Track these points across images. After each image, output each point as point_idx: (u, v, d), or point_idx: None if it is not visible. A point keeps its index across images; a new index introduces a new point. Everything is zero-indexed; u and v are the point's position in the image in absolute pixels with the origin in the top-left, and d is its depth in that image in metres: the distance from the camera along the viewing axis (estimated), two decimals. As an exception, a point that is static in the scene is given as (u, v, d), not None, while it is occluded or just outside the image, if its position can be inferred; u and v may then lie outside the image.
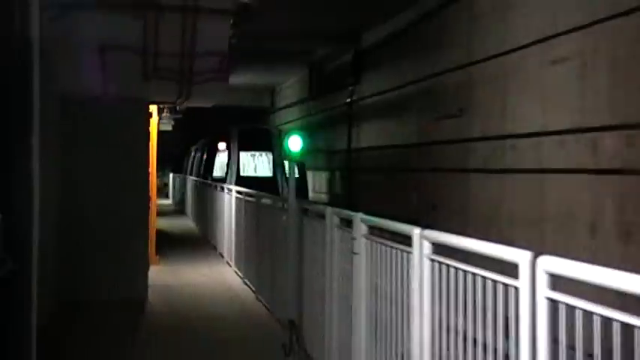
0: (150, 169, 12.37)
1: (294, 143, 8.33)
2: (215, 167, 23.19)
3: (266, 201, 10.63)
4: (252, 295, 11.29)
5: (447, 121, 11.65)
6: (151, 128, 12.43)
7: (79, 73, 9.67)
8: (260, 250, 10.89)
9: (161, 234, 17.06)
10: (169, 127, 26.84)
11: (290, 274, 8.32)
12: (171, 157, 33.85)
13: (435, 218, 11.32)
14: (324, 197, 19.81)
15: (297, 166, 19.29)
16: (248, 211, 12.21)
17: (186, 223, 24.66)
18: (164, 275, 13.12)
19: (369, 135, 16.58)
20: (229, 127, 22.61)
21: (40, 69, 4.72)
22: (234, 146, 21.59)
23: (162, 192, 34.35)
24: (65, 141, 10.11)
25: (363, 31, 16.40)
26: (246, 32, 13.53)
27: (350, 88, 17.63)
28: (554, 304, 3.11)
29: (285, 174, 18.45)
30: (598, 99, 7.86)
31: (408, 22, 13.62)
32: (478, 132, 10.57)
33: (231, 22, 10.20)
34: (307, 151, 8.29)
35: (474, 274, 3.88)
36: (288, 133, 8.50)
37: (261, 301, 10.68)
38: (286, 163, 18.85)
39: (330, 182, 20.09)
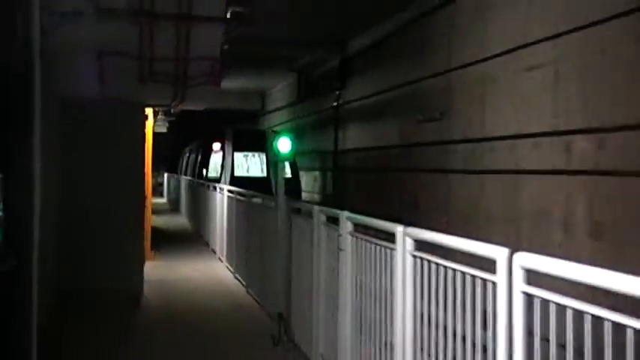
0: (145, 169, 12.35)
1: (284, 145, 8.33)
2: (210, 167, 22.78)
3: (256, 200, 10.63)
4: (243, 289, 11.29)
5: (428, 124, 11.66)
6: (146, 130, 12.41)
7: (78, 77, 9.64)
8: (250, 246, 10.89)
9: (156, 231, 17.01)
10: (164, 129, 26.81)
11: (279, 269, 8.32)
12: (166, 158, 33.76)
13: (416, 216, 11.33)
14: (316, 197, 19.56)
15: (290, 166, 19.17)
16: (239, 209, 12.21)
17: (180, 221, 24.62)
18: (159, 270, 13.10)
19: (355, 137, 16.58)
20: (224, 128, 22.22)
21: (41, 73, 4.71)
22: (229, 147, 21.11)
23: (157, 191, 34.28)
24: (65, 141, 10.09)
25: (349, 38, 16.39)
26: (237, 39, 13.51)
27: (336, 92, 17.61)
28: (529, 298, 3.13)
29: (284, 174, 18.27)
30: (570, 104, 7.87)
31: (391, 31, 13.61)
32: (458, 135, 10.58)
33: (224, 29, 10.17)
34: (300, 152, 8.30)
35: (454, 270, 3.90)
36: (278, 135, 8.50)
37: (251, 295, 10.67)
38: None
39: (320, 182, 19.99)
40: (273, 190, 15.80)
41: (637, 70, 6.86)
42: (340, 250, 6.05)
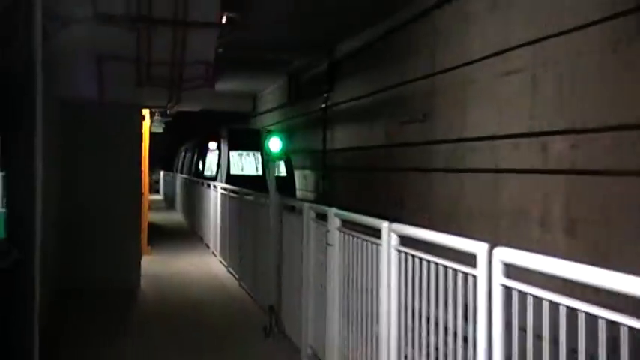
0: (142, 168, 12.33)
1: (274, 144, 8.33)
2: (206, 166, 22.31)
3: (248, 197, 10.62)
4: (236, 282, 11.28)
5: (412, 125, 11.68)
6: (143, 130, 12.38)
7: (78, 79, 9.62)
8: (243, 241, 10.87)
9: (152, 227, 16.98)
10: (160, 130, 26.75)
11: (270, 263, 8.32)
12: (162, 157, 33.66)
13: (401, 213, 11.35)
14: (309, 195, 19.35)
15: (285, 165, 19.05)
16: (232, 206, 12.19)
17: (175, 217, 24.55)
18: (155, 265, 13.07)
19: (343, 138, 16.59)
20: (220, 128, 21.84)
21: (43, 76, 4.70)
22: (225, 146, 20.72)
23: (154, 188, 34.14)
24: (65, 142, 10.06)
25: (337, 43, 16.39)
26: (231, 43, 13.50)
27: (325, 94, 17.61)
28: (508, 290, 3.14)
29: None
30: (547, 106, 7.90)
31: (377, 36, 13.63)
32: (440, 135, 10.60)
33: (218, 34, 10.16)
34: (293, 151, 8.30)
35: (437, 264, 3.91)
36: (269, 135, 8.49)
37: (243, 288, 10.66)
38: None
39: (309, 180, 19.95)
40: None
41: (610, 75, 6.89)
42: (329, 245, 6.05)
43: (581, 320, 2.65)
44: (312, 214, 6.83)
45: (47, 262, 5.26)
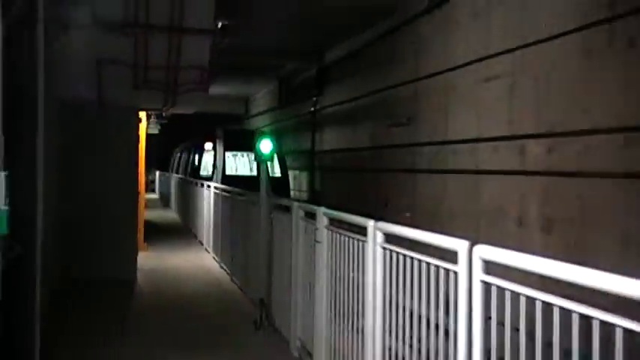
0: (139, 168, 12.30)
1: (265, 146, 8.31)
2: (202, 166, 21.90)
3: (240, 196, 10.61)
4: (228, 277, 11.26)
5: (397, 128, 11.70)
6: (140, 131, 12.35)
7: (78, 82, 9.60)
8: (235, 238, 10.86)
9: (148, 224, 16.93)
10: (156, 131, 26.70)
11: (261, 259, 8.31)
12: (158, 157, 33.56)
13: (386, 212, 11.36)
14: (302, 195, 19.08)
15: (280, 165, 18.87)
16: (225, 205, 12.18)
17: (170, 215, 24.49)
18: (151, 260, 13.03)
19: (331, 140, 16.59)
20: (216, 129, 21.30)
21: (45, 79, 4.69)
22: (220, 147, 20.18)
23: (150, 188, 34.04)
24: (65, 142, 10.02)
25: (326, 49, 16.40)
26: (224, 49, 13.48)
27: (314, 98, 17.61)
28: (487, 286, 3.15)
29: (269, 173, 17.56)
30: (524, 111, 7.93)
31: (364, 43, 13.65)
32: (424, 138, 10.62)
33: (212, 40, 10.16)
34: (287, 152, 8.26)
35: (420, 260, 3.91)
36: (260, 137, 8.46)
37: (235, 282, 10.65)
38: (275, 161, 18.55)
39: (300, 180, 19.85)
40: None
41: (584, 82, 6.93)
42: (317, 242, 6.05)
43: (556, 315, 2.67)
44: (301, 213, 6.83)
45: (48, 258, 5.25)
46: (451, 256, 3.43)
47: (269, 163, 17.55)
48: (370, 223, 4.67)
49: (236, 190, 11.25)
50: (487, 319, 3.15)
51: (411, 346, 4.09)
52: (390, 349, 4.41)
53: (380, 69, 12.79)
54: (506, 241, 7.66)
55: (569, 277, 2.61)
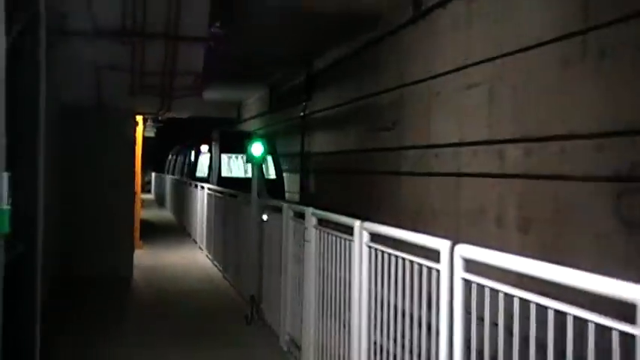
0: (135, 169, 12.27)
1: (257, 149, 8.31)
2: (198, 168, 21.21)
3: (233, 197, 10.61)
4: (220, 274, 11.26)
5: (382, 132, 11.71)
6: (137, 134, 12.33)
7: (78, 87, 9.59)
8: (227, 237, 10.86)
9: (144, 223, 16.89)
10: (152, 134, 26.60)
11: (252, 257, 8.31)
12: (154, 159, 33.47)
13: (373, 212, 11.36)
14: (293, 196, 18.81)
15: (275, 167, 18.67)
16: (218, 205, 12.17)
17: (165, 214, 24.44)
18: (147, 257, 13.01)
19: (320, 143, 16.59)
20: (212, 131, 20.54)
21: (46, 85, 4.68)
22: (216, 149, 19.56)
23: (146, 188, 33.94)
24: (65, 144, 9.99)
25: (314, 57, 16.40)
26: (218, 56, 13.46)
27: (303, 104, 17.60)
28: (467, 283, 3.17)
29: (264, 175, 16.98)
30: (503, 117, 7.96)
31: (351, 51, 13.65)
32: (408, 142, 10.63)
33: (206, 47, 10.15)
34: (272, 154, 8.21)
35: (404, 259, 3.92)
36: (251, 140, 8.46)
37: (227, 279, 10.65)
38: (270, 163, 18.33)
39: (290, 182, 19.72)
40: (260, 189, 14.85)
41: (560, 89, 6.96)
42: (305, 241, 6.06)
43: (533, 310, 2.69)
44: (291, 213, 6.84)
45: (48, 255, 5.23)
46: (433, 254, 3.44)
47: (264, 165, 17.52)
48: (356, 223, 4.68)
49: (228, 190, 11.24)
50: (467, 314, 3.16)
51: (395, 340, 4.11)
52: (375, 344, 4.42)
53: (366, 76, 12.80)
54: (486, 240, 7.68)
55: (545, 275, 2.63)
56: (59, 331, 6.97)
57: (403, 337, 3.97)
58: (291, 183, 19.47)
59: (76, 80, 9.41)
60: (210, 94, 21.20)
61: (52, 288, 8.29)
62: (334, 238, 5.23)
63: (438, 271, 3.42)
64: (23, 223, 4.17)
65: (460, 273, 3.20)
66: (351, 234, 4.74)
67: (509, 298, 2.85)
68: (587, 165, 6.44)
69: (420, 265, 3.67)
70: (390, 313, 4.17)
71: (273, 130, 21.60)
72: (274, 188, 16.36)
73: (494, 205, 7.99)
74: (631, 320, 2.16)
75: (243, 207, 9.32)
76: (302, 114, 17.77)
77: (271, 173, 18.57)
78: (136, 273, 10.96)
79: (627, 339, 2.20)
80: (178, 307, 9.02)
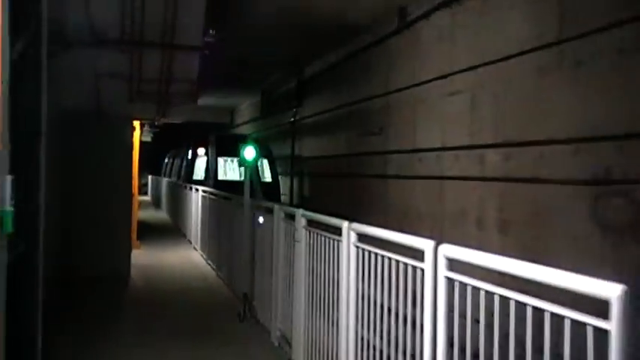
0: (133, 172, 12.24)
1: (249, 153, 8.31)
2: (194, 171, 20.52)
3: (226, 199, 10.60)
4: (214, 273, 11.24)
5: (369, 137, 11.73)
6: (134, 139, 12.30)
7: (78, 94, 9.57)
8: (221, 237, 10.84)
9: (141, 224, 16.84)
10: (149, 138, 26.53)
11: (244, 256, 8.31)
12: (150, 162, 33.37)
13: (360, 214, 11.38)
14: (284, 198, 18.61)
15: (270, 170, 18.50)
16: (212, 206, 12.15)
17: (161, 216, 24.37)
18: (144, 257, 12.98)
19: (309, 147, 16.59)
20: (209, 134, 20.08)
21: (48, 92, 4.67)
22: (213, 152, 19.03)
23: (142, 190, 33.83)
24: (67, 149, 9.96)
25: (305, 64, 16.42)
26: (212, 63, 13.44)
27: (294, 109, 17.61)
28: (450, 281, 3.18)
29: (260, 178, 16.79)
30: (484, 123, 8.00)
31: (340, 59, 13.68)
32: (394, 146, 10.66)
33: (201, 55, 10.15)
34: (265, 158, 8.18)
35: (390, 258, 3.94)
36: (244, 144, 8.45)
37: (220, 277, 10.63)
38: (266, 166, 18.16)
39: (283, 185, 19.62)
40: (255, 192, 14.42)
41: (537, 97, 7.00)
42: (296, 241, 6.07)
43: (512, 307, 2.71)
44: (282, 215, 6.84)
45: (49, 255, 5.22)
46: (418, 254, 3.46)
47: (260, 169, 17.44)
48: (344, 224, 4.69)
49: (222, 193, 11.23)
50: (450, 311, 3.18)
51: (381, 336, 4.12)
52: (362, 339, 4.43)
53: (354, 83, 12.82)
54: (468, 241, 7.72)
55: (523, 274, 2.65)
56: (59, 328, 6.94)
57: (389, 333, 3.99)
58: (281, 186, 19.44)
59: (77, 87, 9.39)
60: (205, 100, 21.20)
61: (52, 286, 8.25)
62: (323, 238, 5.24)
63: (422, 270, 3.43)
64: (25, 224, 4.16)
65: (443, 272, 3.22)
66: (340, 234, 4.75)
67: (490, 295, 2.87)
68: (564, 169, 6.48)
69: (406, 265, 3.69)
70: (377, 310, 4.18)
71: (265, 134, 21.56)
72: (270, 191, 16.20)
73: (476, 208, 8.03)
74: (605, 316, 2.18)
75: (237, 209, 9.31)
76: (292, 119, 17.77)
77: (267, 176, 18.38)
78: (133, 272, 10.93)
79: (601, 334, 2.22)
80: (173, 303, 9.00)
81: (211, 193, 12.36)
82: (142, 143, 16.53)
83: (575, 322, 2.35)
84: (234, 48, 13.30)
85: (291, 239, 6.25)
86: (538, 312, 2.56)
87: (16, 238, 3.87)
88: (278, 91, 19.86)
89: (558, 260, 5.86)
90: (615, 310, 2.14)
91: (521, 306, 2.65)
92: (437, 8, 9.19)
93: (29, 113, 4.40)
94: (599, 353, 2.25)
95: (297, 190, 17.31)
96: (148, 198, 35.34)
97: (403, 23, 10.37)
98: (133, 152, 12.09)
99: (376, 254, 4.14)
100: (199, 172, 20.04)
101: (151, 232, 17.67)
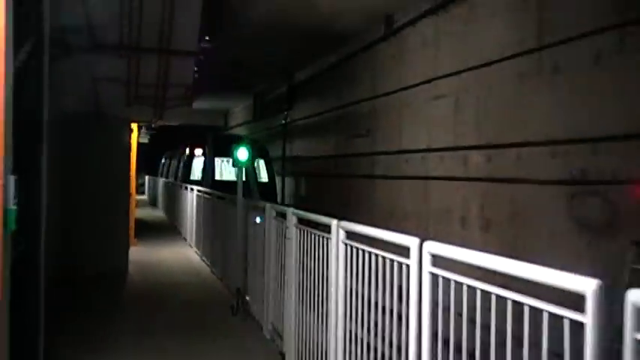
0: (130, 172, 12.21)
1: (242, 154, 8.30)
2: (192, 172, 19.94)
3: (220, 199, 10.58)
4: (208, 268, 11.22)
5: (357, 139, 11.76)
6: (132, 140, 12.27)
7: (79, 98, 9.54)
8: (215, 235, 10.82)
9: (138, 222, 16.78)
10: (146, 140, 26.44)
11: (237, 253, 8.30)
12: (147, 163, 33.24)
13: (350, 212, 11.39)
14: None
15: (267, 170, 18.36)
16: (206, 205, 12.13)
17: (157, 214, 24.28)
18: (141, 253, 12.93)
19: (300, 149, 16.60)
20: (205, 135, 19.50)
21: (50, 95, 4.66)
22: (210, 153, 18.44)
23: (140, 190, 33.68)
24: (67, 150, 9.92)
25: (295, 70, 16.44)
26: (206, 68, 13.44)
27: (285, 112, 17.61)
28: (435, 277, 3.19)
29: (257, 178, 16.31)
30: (467, 126, 8.03)
31: (329, 65, 13.70)
32: (381, 148, 10.69)
33: (196, 61, 10.15)
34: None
35: (377, 255, 3.94)
36: (237, 145, 8.43)
37: (214, 273, 10.61)
38: (262, 167, 18.02)
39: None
40: (252, 193, 14.02)
41: (517, 101, 7.04)
42: (287, 238, 6.07)
43: (493, 301, 2.72)
44: (273, 213, 6.84)
45: (50, 251, 5.20)
46: (404, 251, 3.47)
47: (257, 169, 17.34)
48: (333, 222, 4.69)
49: (216, 192, 11.21)
50: (434, 305, 3.19)
51: (369, 329, 4.13)
52: (350, 332, 4.44)
53: (343, 87, 12.84)
54: (452, 238, 7.75)
55: (503, 269, 2.66)
56: (61, 321, 6.92)
57: (376, 326, 3.99)
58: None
59: (77, 91, 9.37)
60: (200, 104, 21.16)
61: (53, 282, 8.22)
62: (313, 235, 5.23)
63: (407, 266, 3.44)
64: (27, 222, 4.15)
65: (428, 267, 3.22)
66: (329, 232, 4.74)
67: (472, 290, 2.88)
68: (543, 170, 6.52)
69: (392, 261, 3.69)
70: (364, 305, 4.19)
71: (258, 136, 21.55)
72: (266, 191, 15.95)
73: (459, 206, 8.06)
74: (581, 309, 2.20)
75: (230, 208, 9.30)
76: (284, 122, 17.77)
77: (263, 177, 18.14)
78: (131, 268, 10.90)
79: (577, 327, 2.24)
80: (169, 298, 8.98)
81: (206, 193, 12.34)
82: (139, 145, 16.46)
83: (552, 315, 2.37)
84: (228, 54, 13.31)
85: (283, 237, 6.25)
86: (518, 305, 2.57)
87: (18, 236, 3.86)
88: (270, 95, 19.86)
89: (537, 256, 5.90)
90: (590, 303, 2.15)
91: (501, 299, 2.67)
92: (423, 16, 9.22)
93: (31, 117, 4.39)
94: (576, 345, 2.26)
95: (293, 191, 17.29)
96: (145, 197, 35.20)
97: (390, 30, 10.40)
98: (131, 153, 12.05)
99: (364, 251, 4.14)
100: (197, 173, 19.70)
101: (148, 230, 17.61)
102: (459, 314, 2.96)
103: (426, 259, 3.24)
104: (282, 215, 6.35)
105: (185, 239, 15.36)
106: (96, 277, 9.86)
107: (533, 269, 2.48)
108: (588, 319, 2.16)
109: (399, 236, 3.62)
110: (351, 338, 4.43)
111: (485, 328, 2.76)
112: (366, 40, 11.38)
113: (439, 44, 8.87)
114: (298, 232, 5.74)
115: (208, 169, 18.48)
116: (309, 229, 5.39)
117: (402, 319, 3.54)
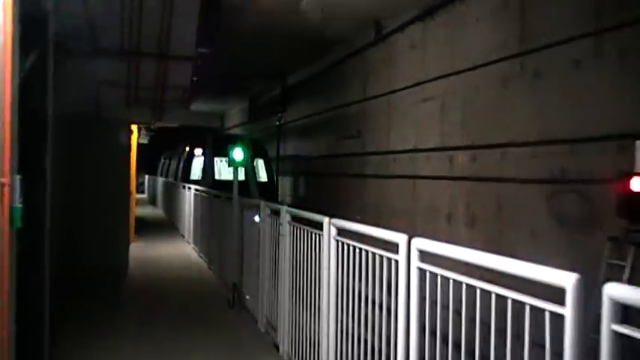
0: (131, 171, 12.19)
1: (238, 154, 8.29)
2: (192, 171, 19.44)
3: (217, 197, 10.57)
4: (205, 264, 11.22)
5: (349, 140, 11.76)
6: (132, 141, 12.24)
7: (81, 100, 9.51)
8: (212, 232, 10.82)
9: (138, 220, 16.74)
10: (145, 141, 26.39)
11: (233, 249, 8.30)
12: (147, 163, 33.12)
13: (341, 210, 11.40)
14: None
15: (266, 169, 18.22)
16: (203, 204, 12.12)
17: (157, 212, 24.24)
18: (141, 250, 12.91)
19: (294, 149, 16.58)
20: (205, 135, 19.06)
21: (53, 97, 4.65)
22: (210, 152, 17.98)
23: (139, 189, 33.56)
24: (70, 150, 9.88)
25: (289, 73, 16.42)
26: (204, 72, 13.40)
27: (279, 114, 17.59)
28: (422, 272, 3.21)
29: (256, 178, 16.15)
30: (453, 127, 8.05)
31: (321, 68, 13.69)
32: (371, 148, 10.69)
33: (193, 64, 10.12)
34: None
35: (367, 251, 3.96)
36: (233, 146, 8.42)
37: (211, 269, 10.61)
38: (259, 167, 17.88)
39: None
40: (251, 192, 13.61)
41: (501, 104, 7.06)
42: (281, 235, 6.07)
43: (478, 294, 2.74)
44: (268, 211, 6.84)
45: (54, 247, 5.20)
46: (393, 247, 3.48)
47: (256, 169, 17.25)
48: (325, 220, 4.70)
49: (213, 191, 11.20)
50: (422, 299, 3.21)
51: (359, 322, 4.14)
52: (341, 325, 4.45)
53: (334, 90, 12.84)
54: (439, 235, 7.76)
55: (487, 264, 2.68)
56: (66, 315, 6.91)
57: (366, 319, 4.01)
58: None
59: (79, 93, 9.33)
60: (197, 106, 21.08)
61: (57, 276, 8.21)
62: (306, 232, 5.24)
63: (396, 261, 3.45)
64: (33, 219, 4.15)
65: (416, 263, 3.24)
66: (321, 229, 4.76)
67: (457, 284, 2.90)
68: (525, 169, 6.54)
69: (381, 256, 3.70)
70: (355, 299, 4.20)
71: (253, 137, 21.48)
72: (266, 190, 15.71)
73: (446, 204, 8.07)
74: (561, 302, 2.22)
75: (227, 206, 9.30)
76: (278, 123, 17.74)
77: (262, 176, 17.77)
78: (131, 263, 10.88)
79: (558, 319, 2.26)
80: (168, 292, 8.98)
81: (203, 191, 12.33)
82: (139, 145, 16.41)
83: (534, 308, 2.39)
84: (224, 58, 13.27)
85: (277, 233, 6.25)
86: (501, 299, 2.59)
87: (24, 233, 3.86)
88: (264, 98, 19.82)
89: (521, 252, 5.92)
90: (570, 296, 2.17)
91: (485, 293, 2.68)
92: (412, 22, 9.22)
93: (36, 120, 4.38)
94: (556, 336, 2.28)
95: (288, 190, 17.27)
96: (144, 196, 35.10)
97: (379, 36, 10.41)
98: (131, 153, 12.04)
99: (355, 247, 4.15)
100: (196, 172, 19.32)
101: (148, 228, 17.58)
102: (445, 307, 2.98)
103: (414, 255, 3.25)
104: (277, 213, 6.36)
105: (183, 236, 15.34)
106: (98, 272, 9.84)
107: (515, 264, 2.50)
108: (568, 311, 2.18)
109: (388, 233, 3.63)
110: (342, 331, 4.44)
111: (471, 320, 2.78)
112: (356, 45, 11.38)
113: (426, 49, 8.88)
114: (292, 229, 5.74)
115: (208, 168, 18.16)
116: (302, 226, 5.40)
117: (391, 312, 3.55)
